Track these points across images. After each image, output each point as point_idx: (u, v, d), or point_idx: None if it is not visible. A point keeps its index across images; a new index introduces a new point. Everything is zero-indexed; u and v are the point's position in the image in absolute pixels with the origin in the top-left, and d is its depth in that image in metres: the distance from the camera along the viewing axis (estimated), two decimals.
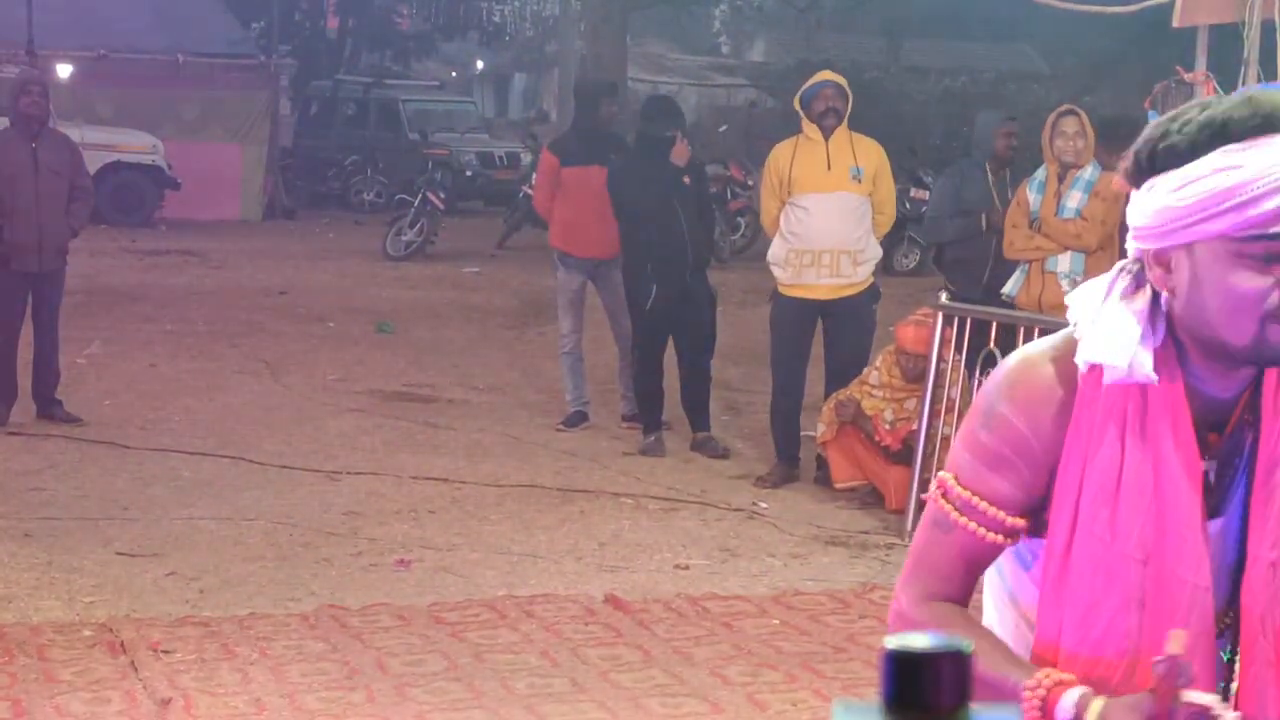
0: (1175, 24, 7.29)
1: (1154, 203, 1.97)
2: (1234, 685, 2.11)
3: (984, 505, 2.09)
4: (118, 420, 9.28)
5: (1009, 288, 8.04)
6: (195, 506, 7.51)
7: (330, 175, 25.62)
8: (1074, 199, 7.85)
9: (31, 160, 8.90)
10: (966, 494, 2.10)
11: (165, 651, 5.53)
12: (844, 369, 8.25)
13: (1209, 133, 1.93)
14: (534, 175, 13.84)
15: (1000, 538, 2.11)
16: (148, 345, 11.92)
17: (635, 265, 8.98)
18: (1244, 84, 6.43)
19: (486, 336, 13.17)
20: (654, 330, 9.00)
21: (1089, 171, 7.88)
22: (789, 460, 8.42)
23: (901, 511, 7.49)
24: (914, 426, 7.56)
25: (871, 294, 8.43)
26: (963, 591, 2.16)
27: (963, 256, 8.70)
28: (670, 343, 9.04)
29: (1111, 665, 2.04)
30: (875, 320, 8.54)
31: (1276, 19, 6.59)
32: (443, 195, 19.53)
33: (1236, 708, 2.07)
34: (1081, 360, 2.03)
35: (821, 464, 8.26)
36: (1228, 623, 2.09)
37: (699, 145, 23.87)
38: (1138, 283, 2.03)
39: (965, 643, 1.08)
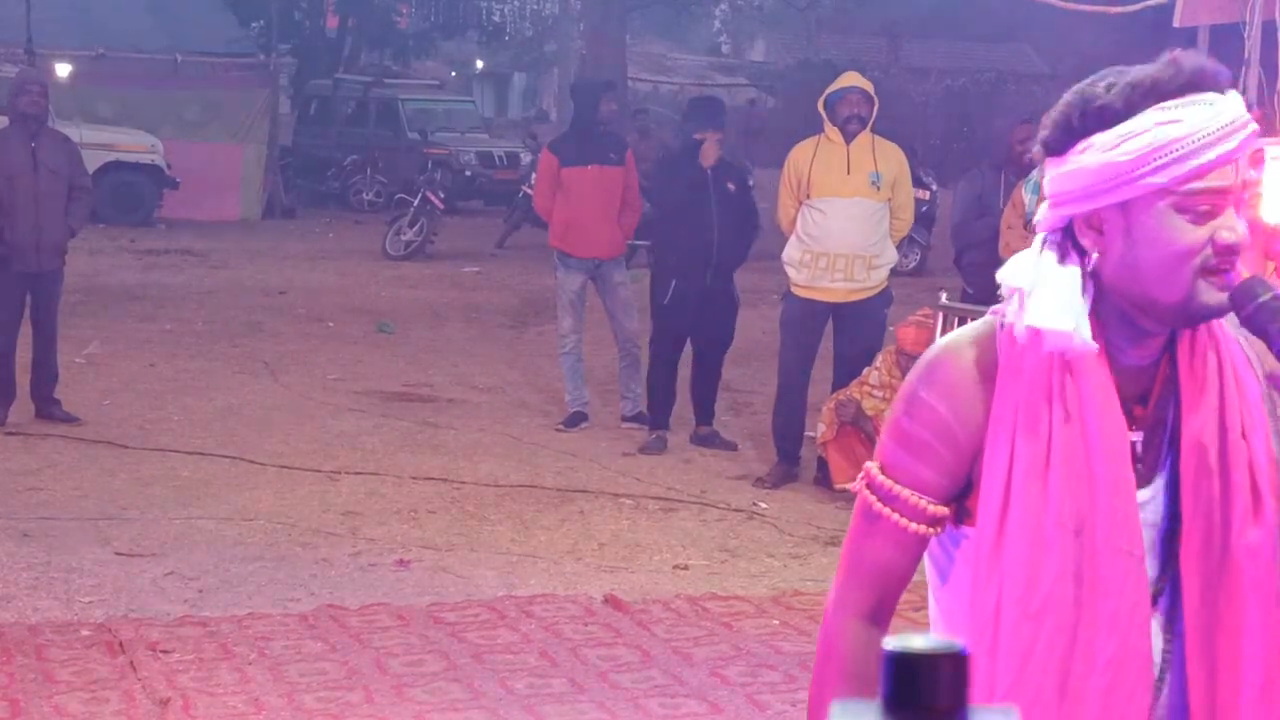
0: (1175, 24, 7.29)
1: (1089, 162, 2.01)
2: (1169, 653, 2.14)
3: (906, 494, 2.11)
4: (116, 420, 9.28)
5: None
6: (194, 506, 7.51)
7: (330, 175, 25.60)
8: None
9: (30, 160, 8.90)
10: (889, 483, 2.12)
11: (164, 651, 5.52)
12: (851, 371, 8.24)
13: (1141, 92, 1.99)
14: (534, 175, 13.85)
15: (923, 527, 2.12)
16: (146, 345, 11.92)
17: (659, 260, 9.03)
18: (1244, 84, 6.43)
19: (486, 336, 13.17)
20: (670, 327, 9.01)
21: None
22: (789, 461, 8.41)
23: None
24: None
25: (884, 298, 8.41)
26: (892, 587, 2.17)
27: (981, 260, 8.70)
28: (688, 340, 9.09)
29: (1051, 638, 2.06)
30: (886, 324, 8.52)
31: (1277, 19, 6.58)
32: (442, 195, 19.52)
33: (1183, 659, 2.11)
34: (1023, 326, 2.04)
35: (821, 464, 8.25)
36: (1162, 589, 2.11)
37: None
38: (1062, 253, 2.06)
39: (963, 644, 1.08)
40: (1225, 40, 7.09)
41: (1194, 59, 2.02)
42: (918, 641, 1.06)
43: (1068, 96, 2.06)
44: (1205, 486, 2.08)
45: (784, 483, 8.28)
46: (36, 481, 7.88)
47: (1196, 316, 2.04)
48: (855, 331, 8.33)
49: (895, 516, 2.12)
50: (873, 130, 8.30)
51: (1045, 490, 2.04)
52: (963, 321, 7.54)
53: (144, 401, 9.86)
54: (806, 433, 8.50)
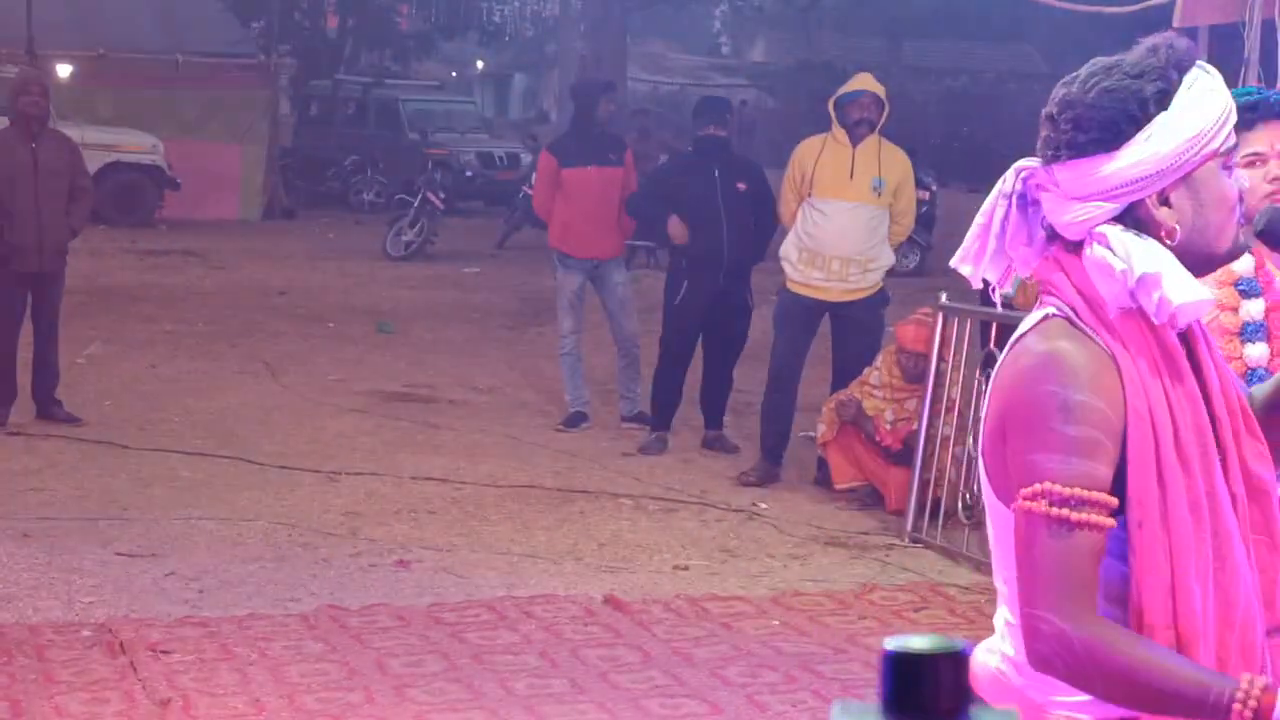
0: (1175, 24, 7.29)
1: (1162, 145, 2.16)
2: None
3: (1095, 495, 2.14)
4: (117, 420, 9.27)
5: (1007, 288, 8.01)
6: (194, 507, 7.51)
7: (330, 175, 25.59)
8: None
9: (31, 160, 8.90)
10: (1077, 491, 2.13)
11: (164, 652, 5.52)
12: (851, 372, 8.24)
13: (1176, 70, 2.17)
14: (534, 176, 13.85)
15: (1112, 521, 2.16)
16: (147, 345, 11.92)
17: (673, 261, 9.05)
18: (1244, 84, 6.43)
19: (486, 336, 13.17)
20: (682, 329, 9.00)
21: None
22: (774, 458, 8.41)
23: (901, 512, 7.48)
24: (915, 427, 7.56)
25: (880, 298, 8.41)
26: (1097, 591, 2.20)
27: None
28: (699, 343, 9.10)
29: (1207, 596, 2.16)
30: (883, 324, 8.52)
31: (1277, 19, 6.58)
32: (442, 195, 19.52)
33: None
34: (1173, 306, 2.15)
35: (821, 464, 8.25)
36: None
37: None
38: (1138, 233, 2.20)
39: (964, 644, 1.07)
40: (1225, 40, 7.09)
41: (1179, 40, 2.21)
42: (918, 642, 1.06)
43: (1101, 98, 2.17)
44: (1225, 414, 2.24)
45: (768, 480, 8.27)
46: (37, 482, 7.88)
47: (1235, 259, 2.30)
48: (852, 333, 8.33)
49: (1095, 518, 2.14)
50: (880, 133, 8.30)
51: (1183, 459, 2.16)
52: (963, 322, 7.54)
53: (145, 402, 9.86)
54: (806, 432, 8.49)
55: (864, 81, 8.42)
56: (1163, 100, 2.16)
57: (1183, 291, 2.14)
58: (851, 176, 8.17)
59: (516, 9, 38.07)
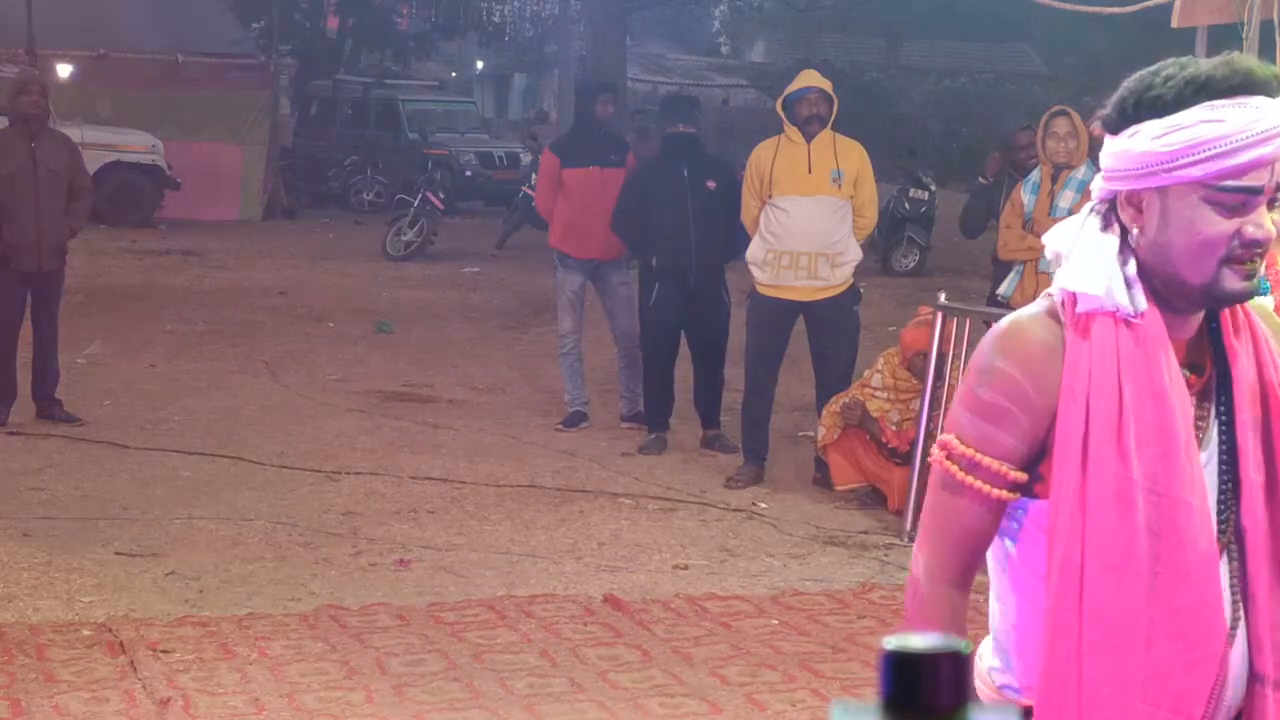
0: (1175, 24, 7.30)
1: (1136, 146, 2.14)
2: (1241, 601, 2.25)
3: (988, 461, 2.20)
4: (117, 420, 9.28)
5: (1004, 289, 8.05)
6: (194, 506, 7.51)
7: (330, 175, 25.59)
8: (1066, 199, 7.86)
9: (31, 160, 8.90)
10: (971, 452, 2.21)
11: (164, 651, 5.53)
12: (834, 371, 8.25)
13: (1193, 88, 2.11)
14: (534, 175, 13.85)
15: (1005, 493, 2.21)
16: (147, 345, 11.92)
17: (644, 263, 9.05)
18: None
19: (486, 336, 13.17)
20: (657, 329, 9.01)
21: (1083, 171, 7.88)
22: (758, 461, 8.41)
23: (902, 512, 7.49)
24: None
25: (852, 295, 8.40)
26: (978, 553, 2.27)
27: None
28: (685, 345, 9.08)
29: (1132, 590, 2.15)
30: (858, 321, 8.52)
31: (1276, 19, 6.59)
32: (442, 195, 19.52)
33: (1247, 620, 2.22)
34: (1058, 288, 2.18)
35: (820, 465, 8.25)
36: (1224, 548, 2.22)
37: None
38: (1106, 222, 2.21)
39: (963, 643, 1.08)
40: (1223, 41, 7.09)
41: (1249, 61, 2.14)
42: (918, 641, 1.06)
43: (1129, 81, 2.18)
44: (1257, 446, 2.21)
45: (753, 482, 8.28)
46: (38, 481, 7.88)
47: (1219, 300, 2.18)
48: (827, 331, 8.31)
49: (979, 484, 2.21)
50: (833, 128, 8.31)
51: (1120, 449, 2.15)
52: (962, 321, 7.55)
53: (145, 402, 9.86)
54: (806, 432, 8.49)
55: (810, 78, 8.43)
56: (1158, 108, 2.12)
57: (1070, 278, 2.18)
58: (810, 171, 8.17)
59: (516, 9, 38.07)
